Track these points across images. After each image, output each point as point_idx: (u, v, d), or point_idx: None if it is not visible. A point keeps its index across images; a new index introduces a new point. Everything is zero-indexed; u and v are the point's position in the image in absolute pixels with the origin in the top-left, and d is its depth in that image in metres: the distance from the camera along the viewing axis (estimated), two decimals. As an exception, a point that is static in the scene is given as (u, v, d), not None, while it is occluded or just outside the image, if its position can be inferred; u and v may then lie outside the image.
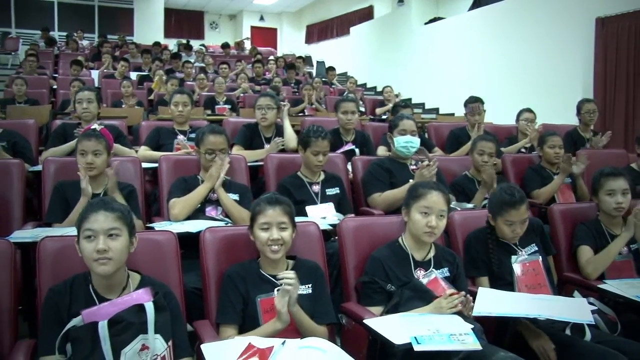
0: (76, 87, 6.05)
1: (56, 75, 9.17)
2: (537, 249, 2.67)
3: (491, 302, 2.21)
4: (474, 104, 4.96)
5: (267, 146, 4.14)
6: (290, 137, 4.27)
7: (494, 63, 9.46)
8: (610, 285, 2.61)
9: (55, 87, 7.92)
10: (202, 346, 1.80)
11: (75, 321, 1.69)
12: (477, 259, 2.60)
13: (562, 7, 8.24)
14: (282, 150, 4.15)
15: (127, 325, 1.68)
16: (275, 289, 2.08)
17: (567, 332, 2.36)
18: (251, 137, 4.23)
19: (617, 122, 7.43)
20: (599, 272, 2.74)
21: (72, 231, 1.93)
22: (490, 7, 9.86)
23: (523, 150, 4.92)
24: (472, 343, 1.83)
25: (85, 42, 13.53)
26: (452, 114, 8.94)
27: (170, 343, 1.79)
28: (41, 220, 2.99)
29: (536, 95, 8.00)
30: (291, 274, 1.98)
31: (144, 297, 1.75)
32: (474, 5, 10.71)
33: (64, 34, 14.55)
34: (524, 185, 4.01)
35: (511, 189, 2.58)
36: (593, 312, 2.29)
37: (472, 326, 1.94)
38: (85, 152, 2.89)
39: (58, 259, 2.04)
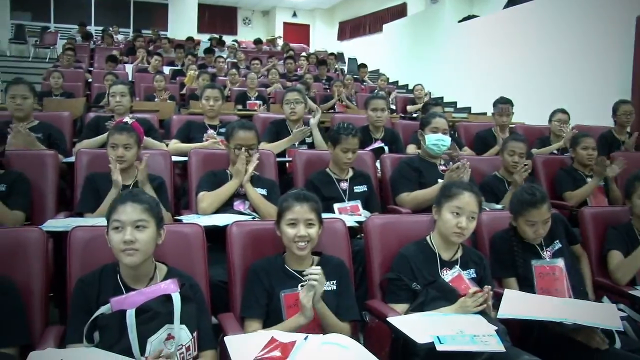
0: (109, 80, 6.15)
1: (91, 69, 9.34)
2: (561, 245, 2.63)
3: (516, 304, 2.18)
4: (504, 104, 4.89)
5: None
6: (320, 146, 4.24)
7: (528, 62, 9.30)
8: (642, 292, 2.56)
9: (90, 80, 8.08)
10: (226, 338, 1.82)
11: (103, 309, 1.73)
12: (503, 260, 2.57)
13: (600, 5, 8.06)
14: (311, 147, 4.16)
15: (154, 315, 1.72)
16: (300, 285, 2.09)
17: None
18: (278, 132, 4.23)
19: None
20: (629, 276, 2.68)
21: (103, 221, 1.97)
22: (526, 5, 9.70)
23: (555, 151, 4.85)
24: (495, 345, 1.82)
25: (120, 37, 13.77)
26: (484, 114, 8.82)
27: (195, 334, 1.82)
28: (73, 210, 3.06)
29: (571, 96, 7.84)
30: (317, 269, 1.99)
31: (171, 288, 1.78)
32: (509, 3, 10.56)
33: (100, 28, 14.82)
34: (555, 186, 3.95)
35: (532, 188, 2.55)
36: (622, 318, 2.24)
37: (496, 328, 1.92)
38: (116, 145, 2.93)
39: (88, 248, 2.09)
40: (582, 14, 8.35)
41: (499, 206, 3.36)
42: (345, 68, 14.41)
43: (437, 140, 3.50)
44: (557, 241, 2.63)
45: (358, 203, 3.29)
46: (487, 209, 3.02)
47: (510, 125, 5.08)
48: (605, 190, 3.94)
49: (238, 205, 3.03)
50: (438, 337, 1.79)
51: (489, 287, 2.09)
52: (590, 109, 6.69)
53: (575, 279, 2.59)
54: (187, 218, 2.81)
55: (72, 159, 3.48)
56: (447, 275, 2.29)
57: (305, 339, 1.75)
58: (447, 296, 2.17)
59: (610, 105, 5.13)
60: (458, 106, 10.95)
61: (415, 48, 13.32)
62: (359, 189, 3.37)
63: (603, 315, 2.18)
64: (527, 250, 2.57)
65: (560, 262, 2.57)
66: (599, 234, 2.90)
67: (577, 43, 8.35)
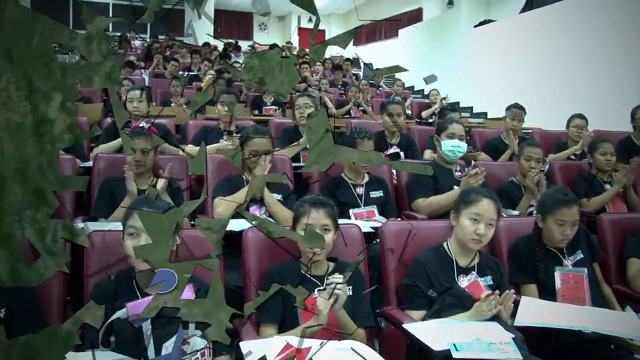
0: (126, 86, 6.20)
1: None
2: (583, 256, 2.60)
3: (534, 311, 2.16)
4: (517, 109, 4.88)
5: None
6: None
7: (545, 66, 9.22)
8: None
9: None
10: (241, 344, 1.81)
11: (119, 313, 1.73)
12: (525, 265, 2.55)
13: (618, 9, 7.98)
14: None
15: (170, 320, 1.72)
16: (316, 290, 2.09)
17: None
18: (291, 139, 4.24)
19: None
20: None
21: (120, 226, 1.99)
22: (542, 10, 9.63)
23: (572, 157, 4.80)
24: (512, 353, 1.80)
25: (137, 43, 13.87)
26: (501, 119, 8.76)
27: (210, 339, 1.82)
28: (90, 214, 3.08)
29: (589, 101, 7.74)
30: (340, 278, 1.98)
31: (187, 293, 1.78)
32: (526, 8, 10.50)
33: (118, 34, 14.96)
34: (573, 192, 3.90)
35: (564, 189, 2.58)
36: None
37: (513, 335, 1.91)
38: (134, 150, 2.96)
39: (104, 252, 2.10)
40: (600, 18, 8.26)
41: (515, 212, 3.33)
42: (361, 73, 14.40)
43: (453, 147, 3.47)
44: (580, 251, 2.61)
45: (374, 208, 3.28)
46: (504, 215, 3.00)
47: (527, 131, 5.04)
48: (623, 196, 3.89)
49: (254, 210, 3.04)
50: (454, 345, 1.78)
51: (512, 290, 2.08)
52: (608, 114, 6.61)
53: (594, 292, 2.55)
54: (202, 223, 2.81)
55: (89, 163, 3.51)
56: (464, 282, 2.28)
57: (321, 344, 1.75)
58: (463, 303, 2.16)
59: (629, 110, 5.06)
60: (474, 111, 10.89)
61: (431, 53, 13.27)
62: (375, 194, 3.37)
63: (623, 323, 2.15)
64: (549, 256, 2.54)
65: (583, 271, 2.54)
66: (618, 241, 2.86)
67: (594, 47, 8.26)
